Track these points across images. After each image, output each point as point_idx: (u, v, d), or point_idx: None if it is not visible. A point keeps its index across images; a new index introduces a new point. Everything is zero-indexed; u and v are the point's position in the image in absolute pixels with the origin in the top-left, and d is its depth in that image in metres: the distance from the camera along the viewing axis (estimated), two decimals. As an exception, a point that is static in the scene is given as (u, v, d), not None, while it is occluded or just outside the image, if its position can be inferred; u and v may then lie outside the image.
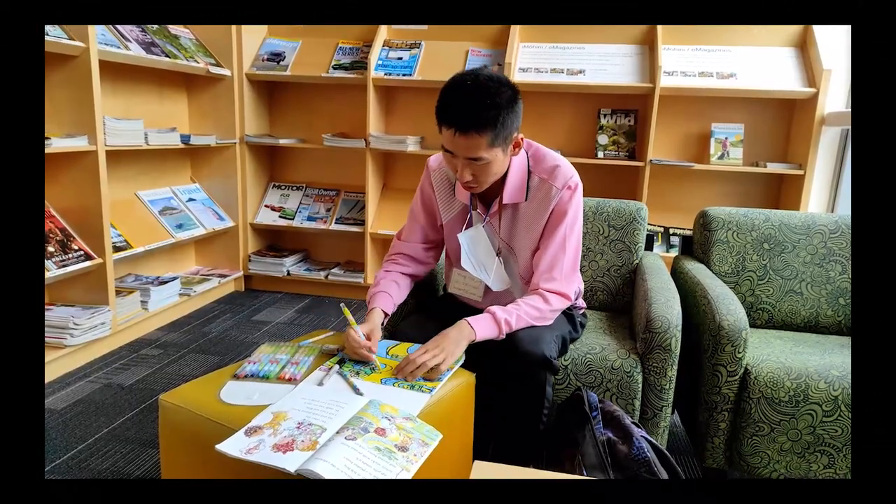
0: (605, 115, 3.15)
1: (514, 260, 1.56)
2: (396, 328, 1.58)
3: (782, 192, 3.11)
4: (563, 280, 1.49)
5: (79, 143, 2.31)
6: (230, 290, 3.46)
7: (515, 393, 1.41)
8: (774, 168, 2.94)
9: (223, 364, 2.44)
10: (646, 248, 2.00)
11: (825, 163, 3.03)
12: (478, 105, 1.29)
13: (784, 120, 3.08)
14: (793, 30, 3.00)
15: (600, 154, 3.12)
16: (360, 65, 3.26)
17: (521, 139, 1.42)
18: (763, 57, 2.99)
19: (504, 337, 1.40)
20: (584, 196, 1.63)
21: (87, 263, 2.37)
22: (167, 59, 2.77)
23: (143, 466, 1.73)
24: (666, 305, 1.54)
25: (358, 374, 1.29)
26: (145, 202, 2.94)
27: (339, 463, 0.93)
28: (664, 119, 3.11)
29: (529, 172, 1.49)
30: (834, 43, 2.90)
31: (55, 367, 2.27)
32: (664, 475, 1.28)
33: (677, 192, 3.22)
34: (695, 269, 1.89)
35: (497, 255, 1.55)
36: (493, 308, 1.41)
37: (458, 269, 1.61)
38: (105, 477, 1.67)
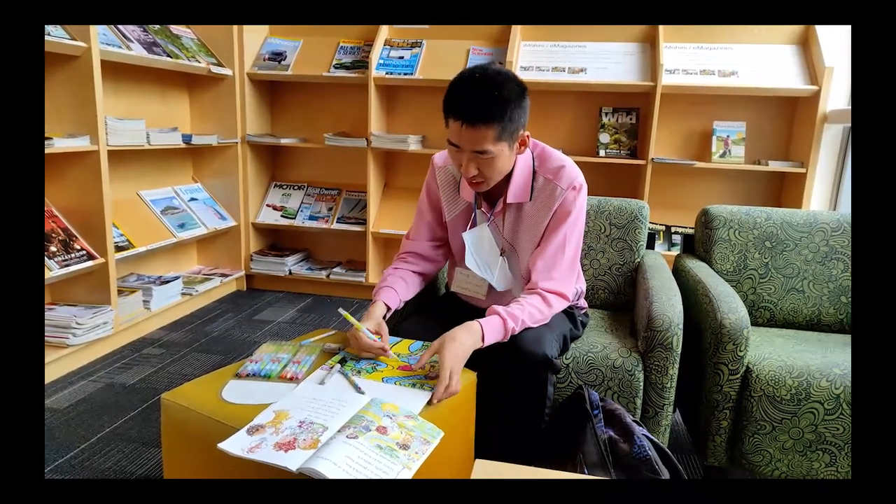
0: (606, 114, 3.14)
1: (516, 259, 1.56)
2: (399, 327, 1.58)
3: (784, 190, 3.10)
4: (562, 280, 1.48)
5: (81, 143, 2.31)
6: (232, 289, 3.47)
7: (517, 392, 1.41)
8: (776, 166, 2.93)
9: (225, 363, 2.44)
10: (647, 247, 2.00)
11: (827, 160, 3.02)
12: (486, 97, 1.29)
13: (786, 118, 3.08)
14: (794, 27, 2.99)
15: (602, 152, 3.12)
16: (362, 64, 3.26)
17: (528, 137, 1.42)
18: (765, 55, 2.99)
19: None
20: (587, 195, 1.63)
21: (90, 263, 2.37)
22: (169, 58, 2.77)
23: (146, 465, 1.73)
24: (667, 304, 1.54)
25: (360, 372, 1.29)
26: (147, 202, 2.94)
27: (341, 461, 0.93)
28: (666, 117, 3.11)
29: (535, 172, 1.49)
30: (836, 40, 2.89)
31: (57, 366, 2.28)
32: (665, 473, 1.28)
33: (679, 191, 3.21)
34: (696, 267, 1.89)
35: (501, 254, 1.55)
36: (502, 313, 1.38)
37: (461, 268, 1.61)
38: (108, 476, 1.68)
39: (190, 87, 3.25)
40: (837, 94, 2.94)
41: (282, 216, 3.48)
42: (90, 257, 2.39)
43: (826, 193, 3.08)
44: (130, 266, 2.96)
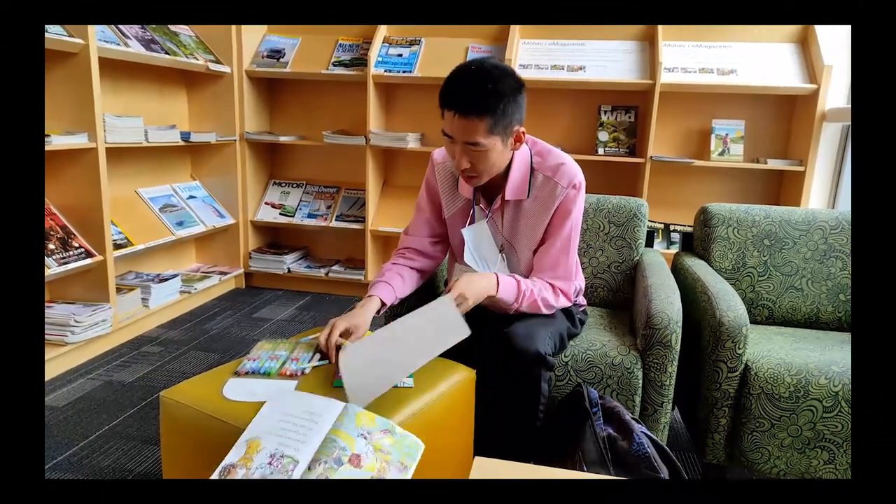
0: (605, 112, 3.14)
1: (515, 256, 1.56)
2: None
3: (783, 188, 3.10)
4: (566, 280, 1.51)
5: (79, 141, 2.30)
6: (231, 287, 3.47)
7: (511, 390, 1.41)
8: (775, 164, 2.93)
9: (224, 361, 2.44)
10: (646, 245, 2.00)
11: (826, 159, 3.03)
12: (480, 89, 1.30)
13: (785, 116, 3.08)
14: (793, 26, 2.99)
15: (601, 151, 3.12)
16: (360, 62, 3.25)
17: (523, 133, 1.42)
18: (764, 53, 2.99)
19: (512, 311, 1.43)
20: (585, 193, 1.63)
21: (88, 261, 2.37)
22: (167, 56, 2.77)
23: (145, 463, 1.73)
24: (666, 302, 1.54)
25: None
26: (146, 199, 2.94)
27: None
28: (664, 115, 3.11)
29: (533, 169, 1.49)
30: (835, 39, 2.89)
31: (56, 364, 2.28)
32: (664, 471, 1.28)
33: (678, 189, 3.22)
34: (695, 265, 1.89)
35: (500, 251, 1.55)
36: (517, 277, 1.46)
37: (460, 265, 1.61)
38: (106, 473, 1.68)
39: (188, 84, 3.24)
40: (836, 93, 2.94)
41: (280, 214, 3.47)
42: (88, 255, 2.38)
43: (825, 191, 3.09)
44: (129, 264, 2.96)
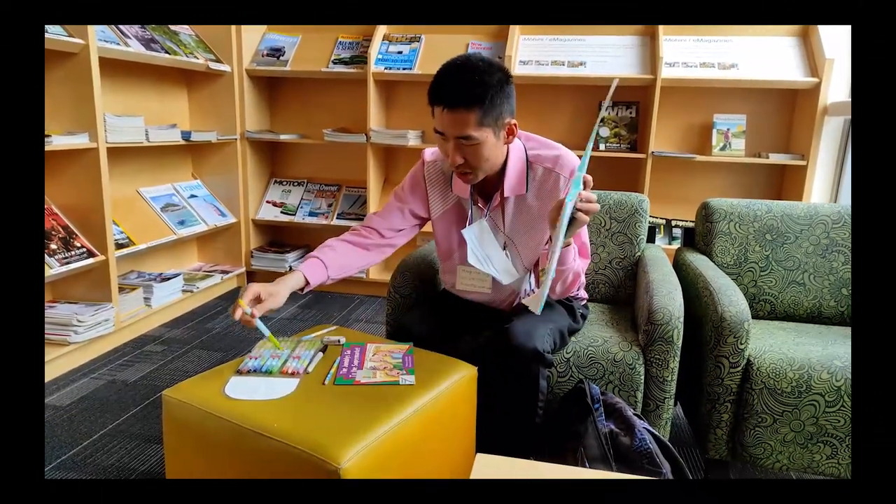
0: (606, 107, 3.14)
1: (517, 252, 1.55)
2: (400, 321, 1.58)
3: (784, 182, 3.09)
4: (586, 257, 1.55)
5: (79, 141, 2.31)
6: (233, 286, 3.47)
7: (509, 387, 1.41)
8: (777, 159, 2.93)
9: (226, 360, 2.44)
10: (648, 240, 2.00)
11: (828, 153, 3.01)
12: (466, 82, 1.30)
13: (786, 110, 3.07)
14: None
15: (602, 146, 3.11)
16: (360, 59, 3.25)
17: (515, 126, 1.41)
18: (765, 47, 2.97)
19: (570, 244, 1.36)
20: (586, 188, 1.64)
21: (90, 261, 2.37)
22: (167, 55, 2.77)
23: (148, 462, 1.74)
24: (668, 297, 1.54)
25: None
26: (147, 199, 2.94)
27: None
28: (666, 110, 3.10)
29: (530, 163, 1.49)
30: (836, 33, 2.88)
31: (59, 364, 2.28)
32: (667, 467, 1.28)
33: (679, 184, 3.21)
34: (697, 260, 1.88)
35: (503, 248, 1.55)
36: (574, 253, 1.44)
37: (463, 266, 1.60)
38: (110, 472, 1.68)
39: (188, 83, 3.24)
40: (838, 87, 2.93)
41: (282, 212, 3.48)
42: (90, 255, 2.39)
43: (826, 186, 3.08)
44: (131, 263, 2.96)
